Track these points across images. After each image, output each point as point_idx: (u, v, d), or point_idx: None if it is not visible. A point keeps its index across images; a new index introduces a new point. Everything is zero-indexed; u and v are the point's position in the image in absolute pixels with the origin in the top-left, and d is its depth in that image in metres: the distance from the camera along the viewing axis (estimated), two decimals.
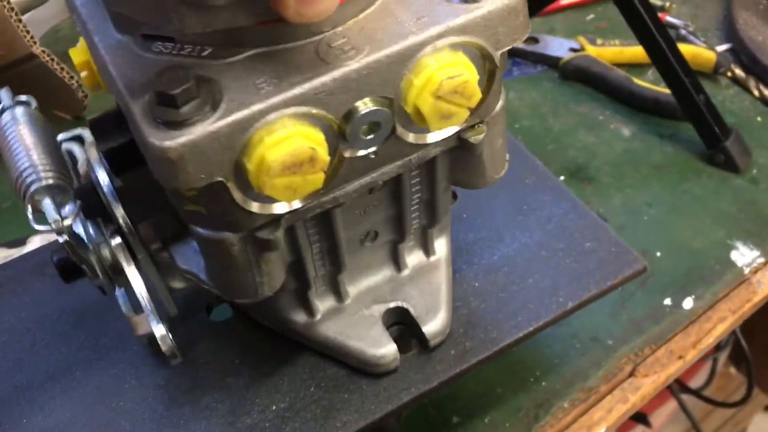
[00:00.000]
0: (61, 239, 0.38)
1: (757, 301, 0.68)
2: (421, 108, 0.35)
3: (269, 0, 0.31)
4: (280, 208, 0.37)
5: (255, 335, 0.52)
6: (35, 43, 0.81)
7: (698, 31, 0.89)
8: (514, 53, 0.89)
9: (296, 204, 0.37)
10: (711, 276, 0.68)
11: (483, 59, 0.37)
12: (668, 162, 0.77)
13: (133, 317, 0.49)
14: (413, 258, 0.51)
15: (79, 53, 0.40)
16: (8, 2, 0.79)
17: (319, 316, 0.50)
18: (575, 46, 0.87)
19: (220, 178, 0.34)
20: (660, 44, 0.72)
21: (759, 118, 0.81)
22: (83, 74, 0.41)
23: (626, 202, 0.74)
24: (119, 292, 0.50)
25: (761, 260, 0.69)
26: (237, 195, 0.35)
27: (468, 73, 0.35)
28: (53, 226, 0.37)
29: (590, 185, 0.75)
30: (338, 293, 0.49)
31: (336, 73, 0.34)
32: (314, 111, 0.34)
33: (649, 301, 0.67)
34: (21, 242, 0.75)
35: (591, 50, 0.86)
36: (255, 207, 0.36)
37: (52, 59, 0.82)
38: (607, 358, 0.63)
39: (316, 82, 0.33)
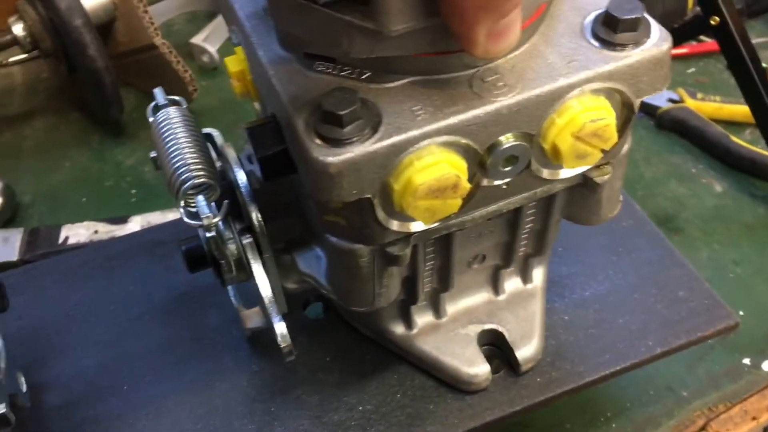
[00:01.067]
0: (208, 234, 0.41)
1: None
2: (560, 146, 0.37)
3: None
4: (415, 227, 0.39)
5: (348, 336, 0.55)
6: (158, 34, 0.85)
7: None
8: None
9: (431, 225, 0.39)
10: None
11: (622, 105, 0.39)
12: (760, 223, 0.77)
13: (242, 311, 0.52)
14: (511, 284, 0.53)
15: (234, 62, 0.43)
16: None
17: (416, 330, 0.52)
18: (674, 97, 0.88)
19: (368, 195, 0.36)
20: (767, 107, 0.73)
21: None
22: (235, 82, 0.44)
23: (713, 258, 0.74)
24: (231, 287, 0.53)
25: None
26: (380, 212, 0.37)
27: (609, 118, 0.37)
28: (204, 222, 0.40)
29: (678, 236, 0.76)
30: (437, 310, 0.51)
31: (489, 108, 0.36)
32: (462, 141, 0.36)
33: (728, 358, 0.67)
34: (123, 220, 0.79)
35: (690, 103, 0.87)
36: (394, 225, 0.38)
37: (171, 52, 0.86)
38: (680, 410, 0.64)
39: (470, 114, 0.36)
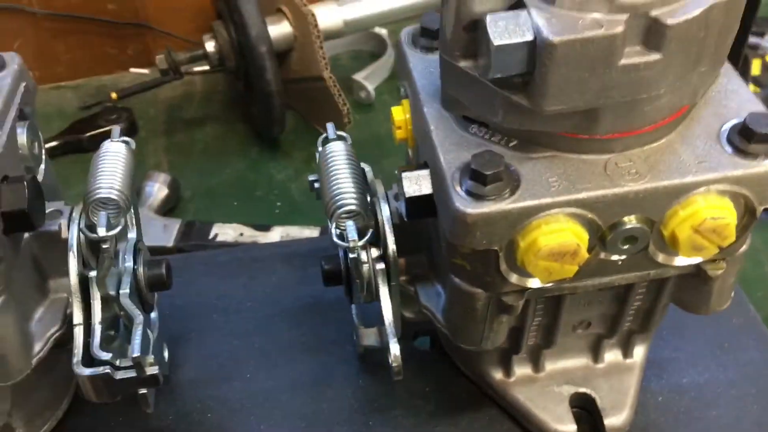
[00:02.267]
0: (351, 255, 0.47)
1: None
2: (678, 236, 0.41)
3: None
4: (532, 284, 0.43)
5: (448, 371, 0.59)
6: (327, 68, 0.94)
7: None
8: None
9: (546, 284, 0.43)
10: None
11: (745, 209, 0.42)
12: None
13: (361, 329, 0.58)
14: (612, 355, 0.56)
15: (400, 112, 0.49)
16: (317, 29, 0.93)
17: (513, 379, 0.56)
18: None
19: (496, 248, 0.41)
20: None
21: None
22: (396, 129, 0.50)
23: None
24: (354, 306, 0.59)
25: None
26: (503, 264, 0.42)
27: (730, 218, 0.40)
28: (350, 244, 0.46)
29: None
30: (537, 365, 0.55)
31: (617, 190, 0.40)
32: (589, 215, 0.40)
33: None
34: (266, 228, 0.87)
35: None
36: (513, 278, 0.43)
37: (335, 85, 0.95)
38: None
39: (599, 193, 0.40)
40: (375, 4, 1.01)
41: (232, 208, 0.94)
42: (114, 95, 1.07)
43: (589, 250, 0.41)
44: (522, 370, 0.56)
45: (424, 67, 0.47)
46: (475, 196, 0.40)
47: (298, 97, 1.02)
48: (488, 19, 0.37)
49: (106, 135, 0.53)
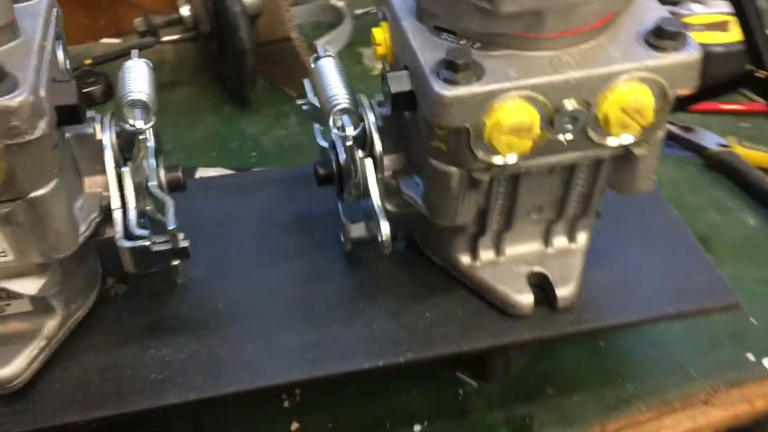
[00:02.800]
0: (347, 143, 0.57)
1: None
2: (609, 115, 0.52)
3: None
4: (497, 160, 0.54)
5: (423, 265, 0.69)
6: (295, 29, 1.04)
7: None
8: (670, 137, 1.04)
9: (508, 160, 0.54)
10: None
11: (661, 94, 0.53)
12: None
13: (349, 224, 0.67)
14: (559, 240, 0.67)
15: (380, 32, 0.59)
16: None
17: (479, 263, 0.66)
18: (724, 142, 1.01)
19: (467, 125, 0.51)
20: None
21: None
22: (378, 48, 0.60)
23: (736, 275, 0.84)
24: (340, 204, 0.69)
25: None
26: (473, 141, 0.52)
27: (648, 100, 0.51)
28: (348, 133, 0.56)
29: (708, 255, 0.88)
30: (498, 249, 0.66)
31: (561, 77, 0.51)
32: (540, 98, 0.51)
33: (734, 352, 0.79)
34: (247, 170, 0.96)
35: (738, 149, 1.00)
36: (481, 154, 0.53)
37: (302, 44, 1.04)
38: (688, 385, 0.76)
39: (547, 78, 0.51)
40: None
41: (211, 159, 1.02)
42: (88, 61, 1.14)
43: (540, 129, 0.52)
44: (486, 255, 0.66)
45: None
46: (450, 82, 0.50)
47: (266, 60, 1.11)
48: None
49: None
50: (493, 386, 0.76)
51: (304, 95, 0.68)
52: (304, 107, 0.69)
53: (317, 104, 0.66)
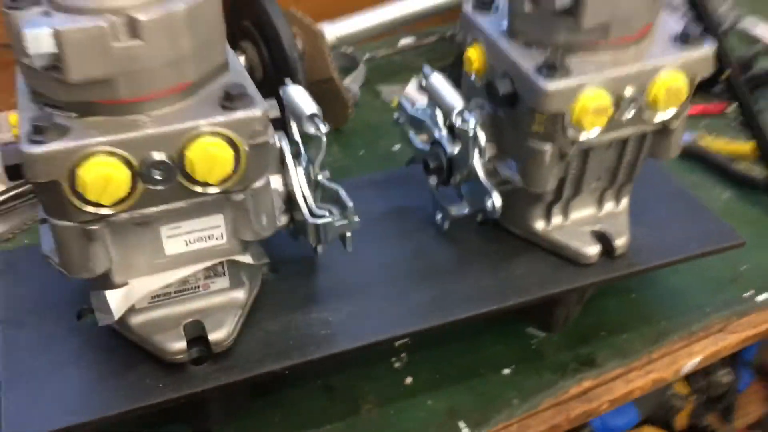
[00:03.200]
0: (470, 135, 0.75)
1: None
2: (658, 96, 0.73)
3: None
4: (582, 136, 0.73)
5: (504, 234, 0.88)
6: (335, 70, 1.22)
7: None
8: None
9: (591, 134, 0.73)
10: None
11: (690, 80, 0.74)
12: (756, 218, 1.11)
13: (449, 206, 0.86)
14: (608, 204, 0.87)
15: (474, 52, 0.79)
16: (325, 41, 1.21)
17: (551, 227, 0.85)
18: (694, 135, 1.25)
19: (564, 111, 0.71)
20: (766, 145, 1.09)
21: None
22: (474, 63, 0.79)
23: None
24: (436, 193, 0.87)
25: None
26: (567, 121, 0.72)
27: (684, 83, 0.73)
28: (471, 125, 0.74)
29: None
30: (565, 215, 0.85)
31: (623, 70, 0.71)
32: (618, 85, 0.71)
33: (735, 292, 1.00)
34: None
35: (706, 140, 1.24)
36: (570, 132, 0.73)
37: (342, 84, 1.23)
38: (706, 319, 0.96)
39: (615, 72, 0.71)
40: (358, 25, 1.31)
41: None
42: None
43: (613, 108, 0.72)
44: (556, 219, 0.85)
45: (493, 25, 0.77)
46: (550, 78, 0.70)
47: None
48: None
49: None
50: (557, 335, 0.94)
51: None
52: (400, 120, 0.87)
53: (416, 116, 0.85)
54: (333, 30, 1.28)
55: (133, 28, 0.58)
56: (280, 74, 1.18)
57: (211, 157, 0.62)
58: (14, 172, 0.62)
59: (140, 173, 0.61)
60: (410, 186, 0.94)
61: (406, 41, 1.51)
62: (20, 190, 1.13)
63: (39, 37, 0.56)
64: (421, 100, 0.86)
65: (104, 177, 0.60)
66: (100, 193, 0.60)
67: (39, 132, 0.58)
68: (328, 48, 1.21)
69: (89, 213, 0.62)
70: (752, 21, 1.55)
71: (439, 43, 1.51)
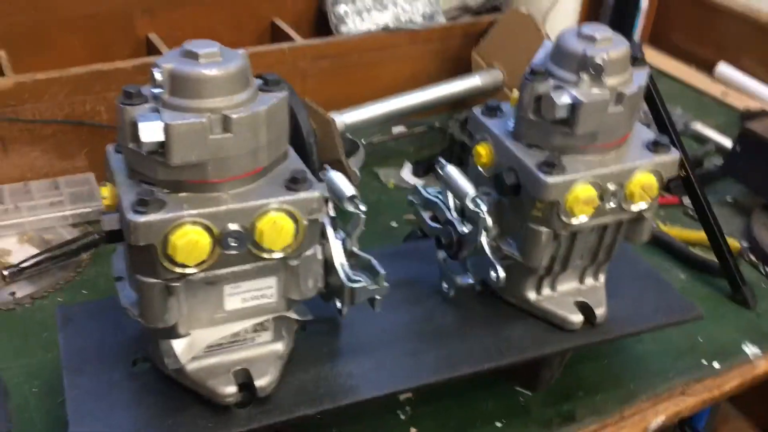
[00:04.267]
0: (483, 217, 0.90)
1: (755, 375, 1.16)
2: (634, 191, 0.89)
3: None
4: (573, 221, 0.88)
5: (498, 302, 1.02)
6: (343, 153, 1.37)
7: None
8: None
9: (581, 220, 0.88)
10: (732, 353, 1.17)
11: (660, 179, 0.90)
12: (709, 297, 1.29)
13: (456, 277, 0.99)
14: (588, 280, 1.02)
15: (483, 149, 0.94)
16: (336, 127, 1.37)
17: (541, 297, 1.00)
18: (653, 224, 1.42)
19: (559, 200, 0.86)
20: (717, 236, 1.26)
21: (763, 285, 1.33)
22: (481, 158, 0.94)
23: None
24: (443, 265, 1.01)
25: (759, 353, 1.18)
26: (561, 211, 0.87)
27: (655, 182, 0.89)
28: (484, 211, 0.89)
29: None
30: (553, 287, 1.00)
31: (608, 170, 0.87)
32: (599, 182, 0.87)
33: (693, 359, 1.15)
34: None
35: (663, 227, 1.41)
36: (563, 218, 0.88)
37: (348, 164, 1.38)
38: (669, 382, 1.11)
39: (602, 171, 0.87)
40: (361, 115, 1.48)
41: None
42: None
43: (600, 200, 0.88)
44: (545, 291, 1.00)
45: (499, 128, 0.93)
46: (549, 174, 0.85)
47: None
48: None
49: None
50: (542, 394, 1.08)
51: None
52: (415, 201, 1.02)
53: (429, 197, 1.00)
54: (341, 118, 1.44)
55: (226, 123, 0.72)
56: (299, 156, 1.32)
57: (277, 229, 0.75)
58: (114, 236, 0.74)
59: (218, 240, 0.74)
60: (414, 260, 1.09)
61: (398, 129, 1.68)
62: (52, 253, 1.24)
63: (152, 129, 0.69)
64: (418, 182, 1.01)
65: (192, 242, 0.72)
66: (187, 255, 0.73)
67: (143, 204, 0.71)
68: (338, 134, 1.37)
69: (175, 272, 0.74)
70: (699, 124, 1.76)
71: (428, 132, 1.68)
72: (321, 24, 1.76)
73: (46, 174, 1.42)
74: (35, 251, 1.25)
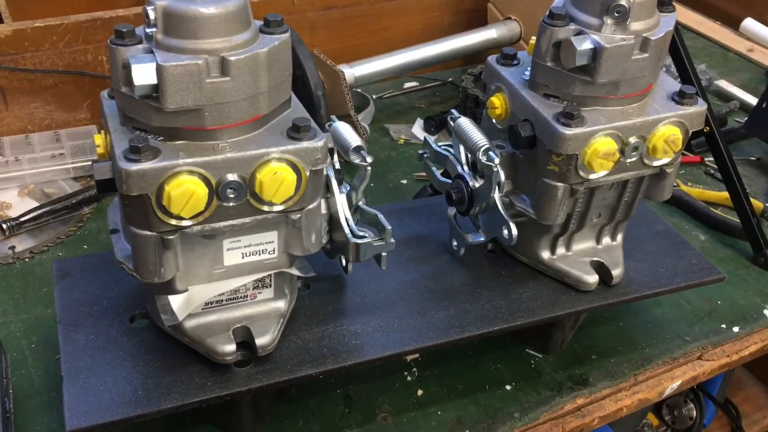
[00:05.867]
0: (495, 170, 0.85)
1: None
2: (657, 144, 0.84)
3: None
4: (592, 176, 0.84)
5: (512, 262, 0.98)
6: (352, 108, 1.32)
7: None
8: None
9: (599, 175, 0.84)
10: (752, 318, 1.12)
11: (684, 131, 0.85)
12: (728, 258, 1.24)
13: (467, 235, 0.95)
14: (605, 239, 0.97)
15: (497, 100, 0.89)
16: (345, 81, 1.31)
17: (555, 256, 0.95)
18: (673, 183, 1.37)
19: (577, 153, 0.81)
20: (740, 196, 1.21)
21: None
22: (496, 110, 0.89)
23: None
24: (454, 222, 0.97)
25: None
26: (580, 164, 0.82)
27: (680, 135, 0.84)
28: (496, 161, 0.84)
29: None
30: (568, 247, 0.96)
31: (629, 122, 0.82)
32: (619, 134, 0.82)
33: (711, 323, 1.11)
34: None
35: (683, 187, 1.36)
36: (581, 172, 0.83)
37: (357, 119, 1.33)
38: (685, 346, 1.07)
39: (619, 124, 0.82)
40: (372, 68, 1.42)
41: None
42: None
43: (620, 153, 0.83)
44: (560, 250, 0.95)
45: (514, 77, 0.88)
46: (567, 126, 0.80)
47: None
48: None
49: None
50: (553, 356, 1.04)
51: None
52: (425, 155, 0.97)
53: (440, 151, 0.95)
54: (351, 71, 1.38)
55: (223, 66, 0.67)
56: (307, 109, 1.27)
57: (278, 180, 0.71)
58: (105, 186, 0.70)
59: (216, 191, 0.70)
60: (423, 217, 1.04)
61: (410, 84, 1.62)
62: (52, 207, 1.20)
63: (144, 71, 0.65)
64: (430, 138, 0.97)
65: (187, 193, 0.68)
66: (182, 207, 0.69)
67: (136, 152, 0.67)
68: (347, 87, 1.32)
69: (170, 224, 0.70)
70: (724, 81, 1.70)
71: (440, 87, 1.62)
72: None
73: (47, 126, 1.39)
74: (36, 204, 1.22)
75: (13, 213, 1.21)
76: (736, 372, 1.77)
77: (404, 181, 1.36)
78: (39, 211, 1.19)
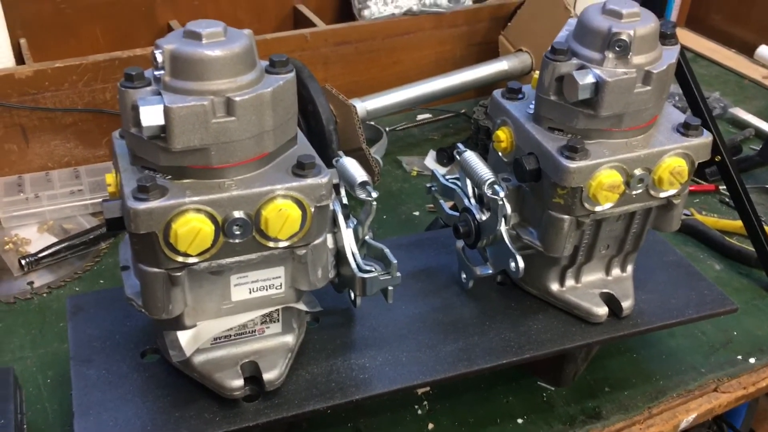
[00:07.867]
0: (500, 203, 0.86)
1: None
2: (662, 176, 0.84)
3: None
4: (597, 208, 0.84)
5: (520, 293, 0.98)
6: (364, 141, 1.34)
7: None
8: None
9: (604, 207, 0.84)
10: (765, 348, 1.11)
11: (690, 163, 0.85)
12: (743, 288, 1.23)
13: (475, 267, 0.95)
14: (615, 270, 0.97)
15: (503, 133, 0.90)
16: (357, 115, 1.33)
17: (565, 288, 0.95)
18: (686, 212, 1.36)
19: (582, 186, 0.82)
20: (754, 224, 1.20)
21: None
22: (501, 143, 0.90)
23: None
24: (462, 255, 0.97)
25: None
26: (585, 196, 0.83)
27: (685, 166, 0.84)
28: (501, 195, 0.85)
29: None
30: (577, 278, 0.95)
31: (634, 155, 0.82)
32: (623, 167, 0.82)
33: (727, 355, 1.10)
34: None
35: (697, 216, 1.35)
36: (586, 205, 0.83)
37: (369, 153, 1.34)
38: (701, 379, 1.06)
39: (627, 156, 0.82)
40: (384, 102, 1.44)
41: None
42: None
43: (625, 185, 0.83)
44: (569, 282, 0.95)
45: (519, 111, 0.89)
46: (571, 159, 0.81)
47: None
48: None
49: None
50: (565, 389, 1.03)
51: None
52: (433, 188, 0.98)
53: (448, 185, 0.96)
54: (363, 105, 1.40)
55: (229, 106, 0.69)
56: (318, 144, 1.29)
57: (282, 216, 0.72)
58: (115, 224, 0.71)
59: (222, 228, 0.71)
60: (433, 249, 1.05)
61: (423, 116, 1.63)
62: (70, 242, 1.23)
63: (152, 112, 0.67)
64: (441, 170, 0.97)
65: (194, 230, 0.69)
66: (189, 244, 0.70)
67: (144, 191, 0.68)
68: (359, 121, 1.33)
69: (177, 261, 0.71)
70: (739, 109, 1.69)
71: (452, 119, 1.64)
72: (344, 9, 1.73)
73: (67, 163, 1.42)
74: (55, 240, 1.24)
75: (32, 249, 1.23)
76: (760, 402, 1.74)
77: (417, 213, 1.37)
78: (57, 247, 1.21)
